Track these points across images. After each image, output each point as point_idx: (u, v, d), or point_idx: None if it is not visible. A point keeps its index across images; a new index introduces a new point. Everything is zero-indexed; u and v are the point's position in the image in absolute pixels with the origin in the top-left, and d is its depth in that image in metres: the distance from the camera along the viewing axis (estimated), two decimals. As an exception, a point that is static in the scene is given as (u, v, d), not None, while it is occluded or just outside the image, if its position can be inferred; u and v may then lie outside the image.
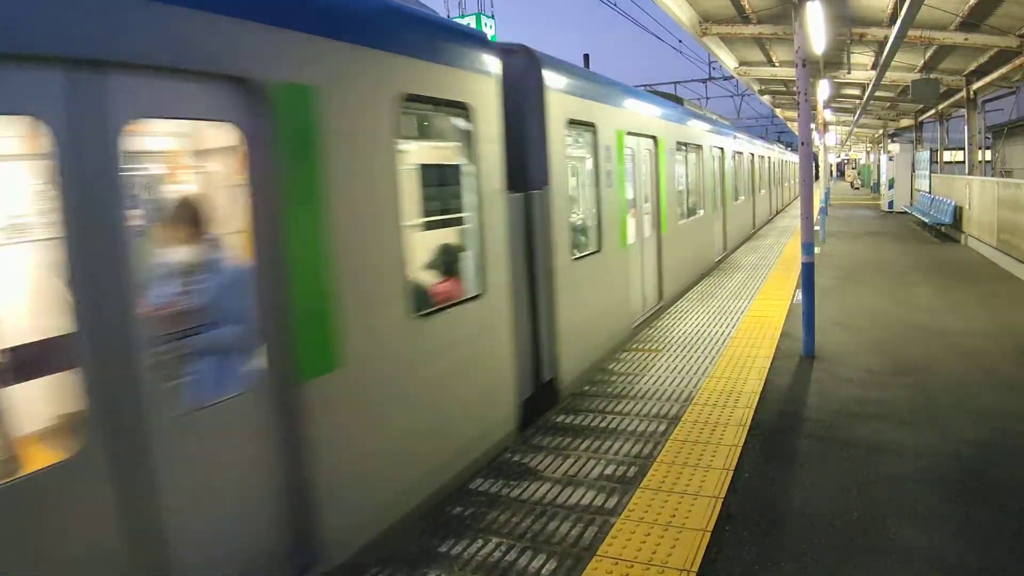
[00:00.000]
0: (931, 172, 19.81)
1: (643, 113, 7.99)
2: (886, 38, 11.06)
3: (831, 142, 31.56)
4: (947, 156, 25.48)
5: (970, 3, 10.52)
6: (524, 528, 3.41)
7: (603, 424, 4.76)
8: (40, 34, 2.02)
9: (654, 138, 8.25)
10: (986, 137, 24.21)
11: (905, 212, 21.09)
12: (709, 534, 3.28)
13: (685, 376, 5.75)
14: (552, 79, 5.33)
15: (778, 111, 30.75)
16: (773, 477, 3.94)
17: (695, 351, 6.51)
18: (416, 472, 3.63)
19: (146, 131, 2.64)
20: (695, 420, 4.76)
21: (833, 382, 5.59)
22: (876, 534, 3.30)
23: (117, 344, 2.25)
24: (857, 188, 45.49)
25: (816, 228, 8.67)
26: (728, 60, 16.67)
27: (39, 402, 2.82)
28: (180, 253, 2.99)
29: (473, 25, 16.78)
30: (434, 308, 3.91)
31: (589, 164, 6.32)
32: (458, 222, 4.59)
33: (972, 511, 3.47)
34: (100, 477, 2.20)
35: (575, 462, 4.16)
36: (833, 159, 54.96)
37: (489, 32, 17.53)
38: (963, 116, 17.66)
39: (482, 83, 4.36)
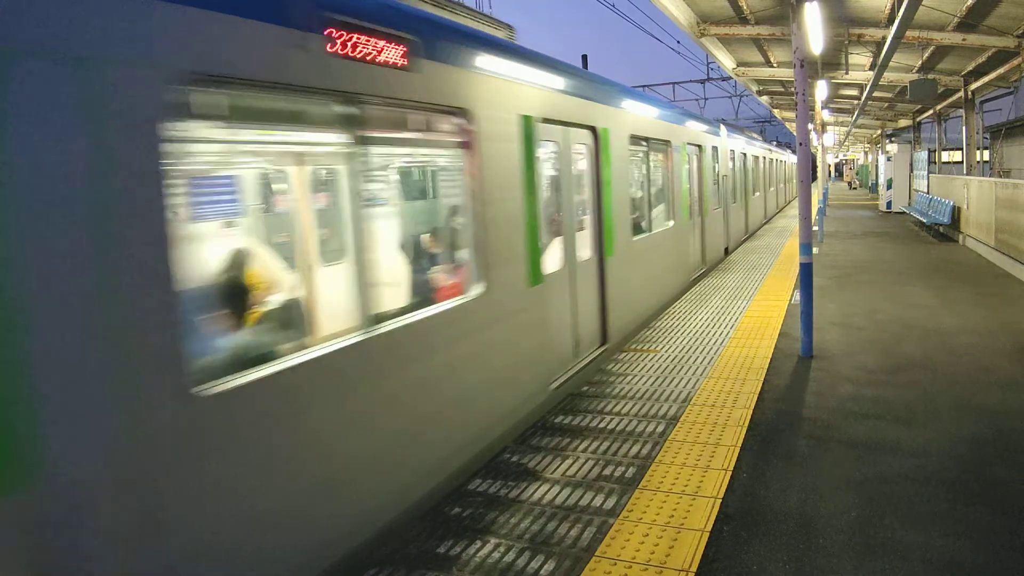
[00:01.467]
0: (929, 172, 19.83)
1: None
2: (884, 38, 11.07)
3: (829, 142, 31.59)
4: (945, 156, 25.43)
5: (968, 3, 10.52)
6: (523, 529, 3.41)
7: (601, 424, 4.77)
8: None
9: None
10: (984, 137, 24.24)
11: (903, 212, 21.11)
12: (708, 534, 3.29)
13: (684, 376, 5.76)
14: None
15: (776, 111, 30.75)
16: (771, 477, 3.94)
17: (694, 351, 6.52)
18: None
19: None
20: (694, 420, 4.77)
21: (831, 381, 5.60)
22: (874, 533, 3.30)
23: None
24: (855, 188, 45.55)
25: (814, 228, 8.85)
26: (726, 61, 16.66)
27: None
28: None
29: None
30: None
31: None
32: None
33: (970, 510, 3.47)
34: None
35: (574, 463, 4.16)
36: (831, 159, 55.06)
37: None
38: (961, 116, 17.69)
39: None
